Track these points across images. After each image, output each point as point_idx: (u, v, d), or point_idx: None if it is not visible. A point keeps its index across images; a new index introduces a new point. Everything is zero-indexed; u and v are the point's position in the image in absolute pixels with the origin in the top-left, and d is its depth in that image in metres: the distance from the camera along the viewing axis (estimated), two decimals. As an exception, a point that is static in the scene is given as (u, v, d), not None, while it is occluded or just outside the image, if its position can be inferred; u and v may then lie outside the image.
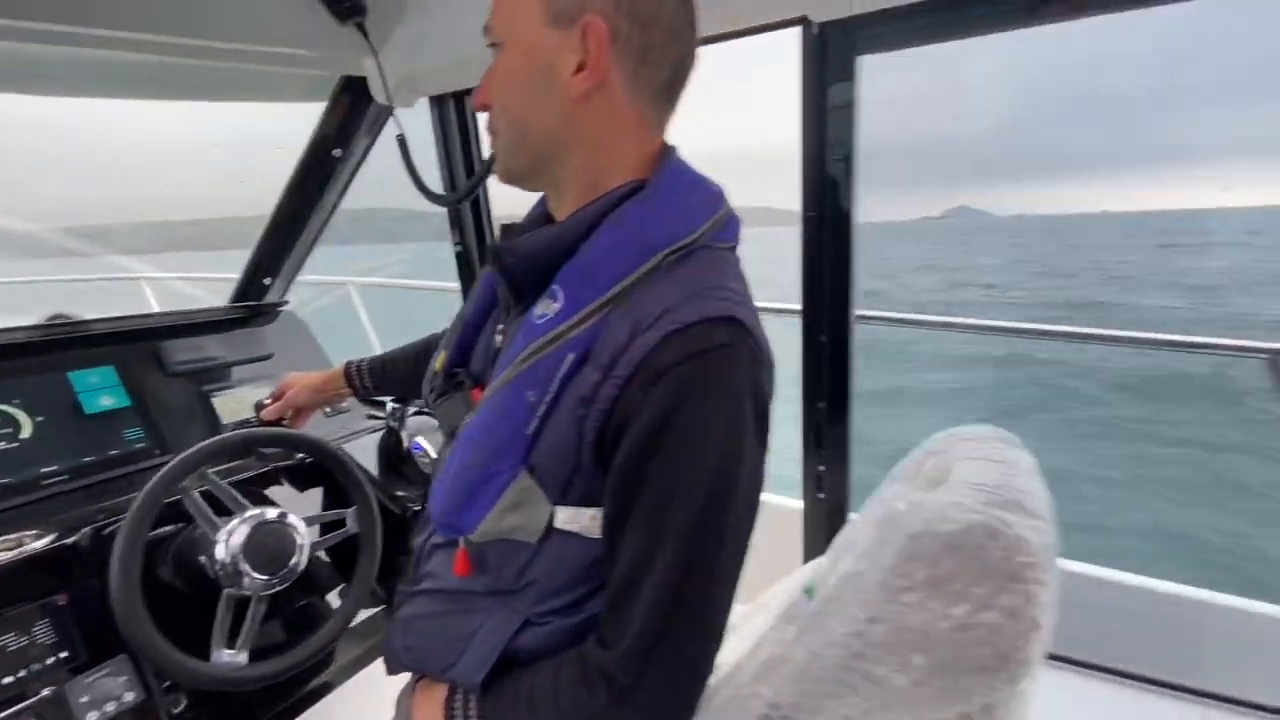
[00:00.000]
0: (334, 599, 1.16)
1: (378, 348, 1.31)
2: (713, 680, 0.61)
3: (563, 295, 0.60)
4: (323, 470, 1.12)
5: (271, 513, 0.97)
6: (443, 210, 1.50)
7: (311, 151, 1.48)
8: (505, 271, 0.66)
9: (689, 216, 0.62)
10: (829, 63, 1.01)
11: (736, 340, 0.55)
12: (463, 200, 1.49)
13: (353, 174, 1.53)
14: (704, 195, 0.65)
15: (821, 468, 1.22)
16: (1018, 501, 0.51)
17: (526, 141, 0.64)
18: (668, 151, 0.66)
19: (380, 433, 1.37)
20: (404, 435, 1.29)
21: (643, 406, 0.54)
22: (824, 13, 0.95)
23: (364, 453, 1.34)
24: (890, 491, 0.62)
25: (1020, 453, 0.61)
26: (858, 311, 1.13)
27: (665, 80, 0.62)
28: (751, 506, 0.60)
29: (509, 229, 0.74)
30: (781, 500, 1.60)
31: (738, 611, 1.06)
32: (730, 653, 0.66)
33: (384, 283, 3.15)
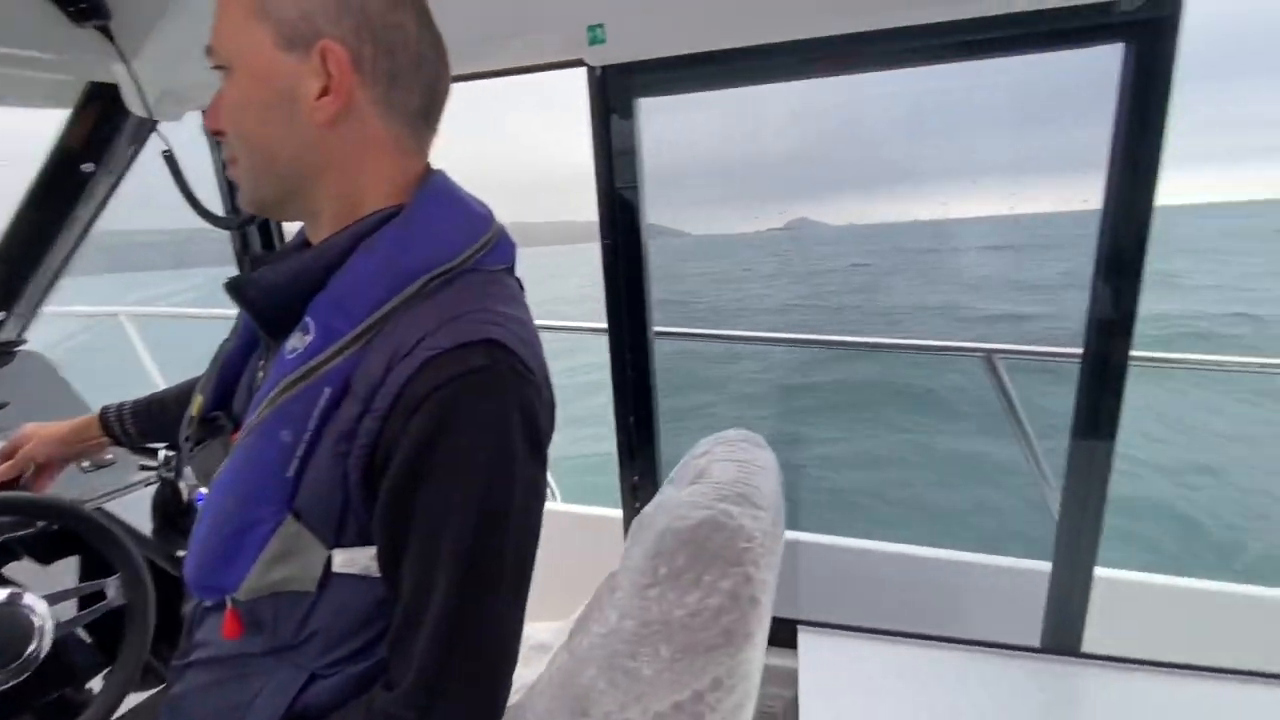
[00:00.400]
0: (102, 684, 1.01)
1: (162, 387, 1.16)
2: (513, 700, 0.62)
3: (314, 327, 0.58)
4: (75, 536, 0.97)
5: None
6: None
7: (54, 165, 1.28)
8: (249, 305, 0.62)
9: (450, 240, 0.62)
10: (611, 103, 1.09)
11: (496, 361, 0.55)
12: (247, 224, 1.37)
13: (110, 191, 1.34)
14: (468, 218, 0.65)
15: (636, 478, 1.29)
16: (745, 495, 0.59)
17: (273, 169, 0.61)
18: (430, 174, 0.65)
19: (155, 485, 1.22)
20: (183, 486, 1.16)
21: (404, 437, 0.53)
22: (597, 58, 1.02)
23: (140, 509, 1.18)
24: (662, 495, 0.69)
25: (763, 452, 0.70)
26: (656, 329, 1.22)
27: (420, 104, 0.63)
28: (531, 524, 0.61)
29: (261, 258, 0.70)
30: (606, 511, 1.66)
31: (553, 629, 1.09)
32: (535, 671, 0.67)
33: (164, 312, 2.75)
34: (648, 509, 0.60)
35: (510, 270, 0.70)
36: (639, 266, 1.17)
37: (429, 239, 0.61)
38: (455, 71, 1.16)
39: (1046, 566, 1.19)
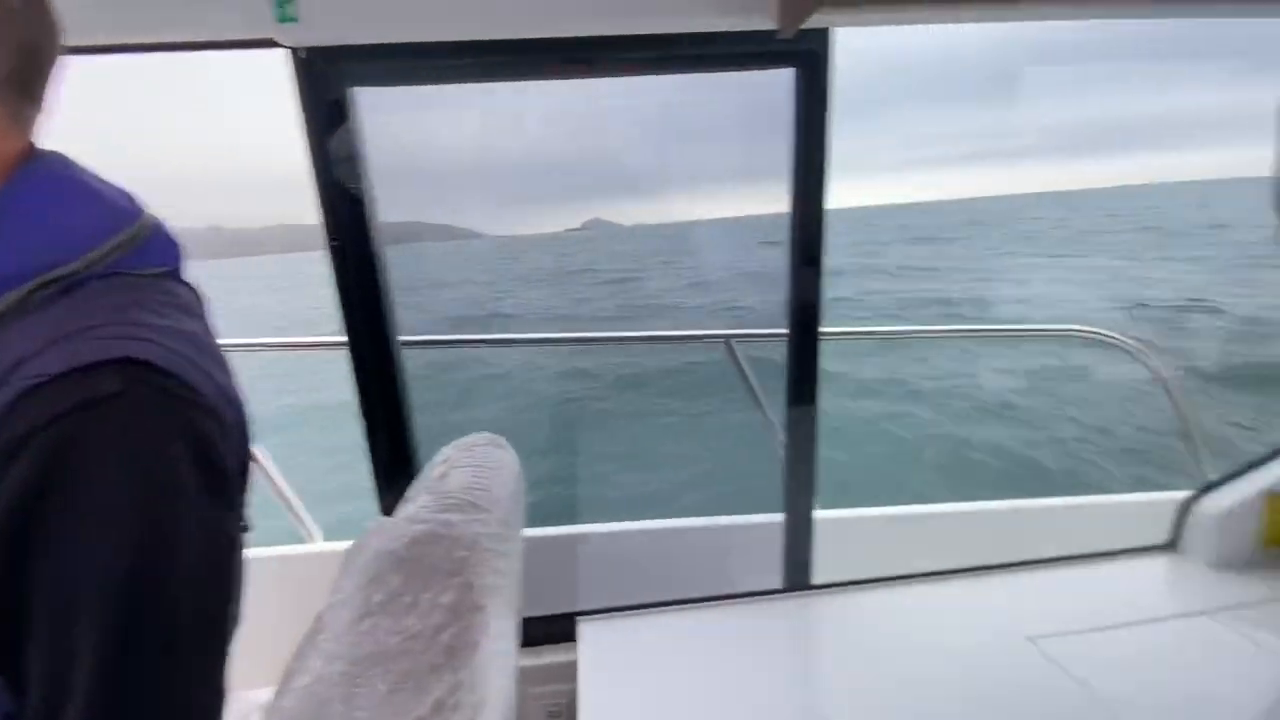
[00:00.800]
0: None
1: None
2: None
3: None
4: None
5: None
6: None
7: None
8: None
9: (65, 237, 0.50)
10: (321, 92, 0.99)
11: (136, 384, 0.46)
12: None
13: None
14: (95, 208, 0.53)
15: (394, 501, 1.20)
16: (471, 502, 0.58)
17: None
18: (36, 156, 0.53)
19: None
20: None
21: (2, 493, 0.42)
22: (291, 39, 0.92)
23: None
24: (397, 512, 0.65)
25: (501, 452, 0.70)
26: (402, 337, 1.14)
27: (14, 70, 0.51)
28: (217, 576, 0.51)
29: None
30: None
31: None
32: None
33: None
34: (362, 533, 0.55)
35: (175, 275, 0.59)
36: (373, 270, 1.08)
37: (31, 236, 0.49)
38: (107, 41, 0.96)
39: (781, 517, 1.37)
